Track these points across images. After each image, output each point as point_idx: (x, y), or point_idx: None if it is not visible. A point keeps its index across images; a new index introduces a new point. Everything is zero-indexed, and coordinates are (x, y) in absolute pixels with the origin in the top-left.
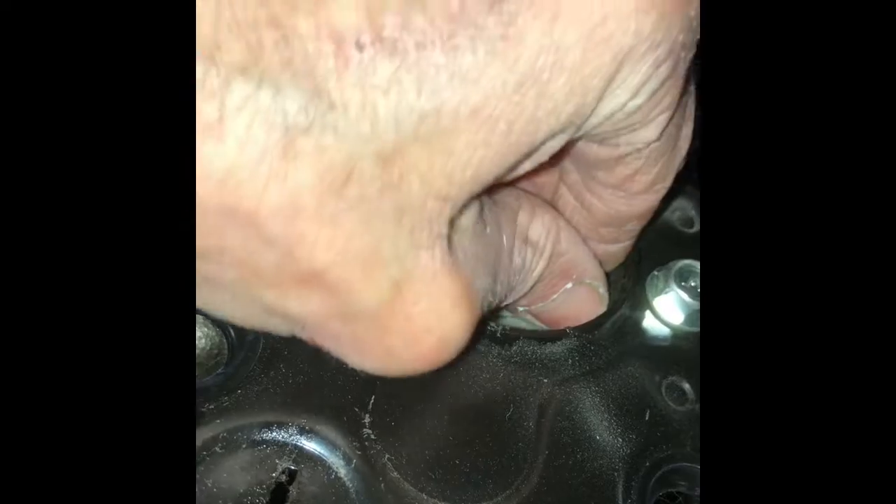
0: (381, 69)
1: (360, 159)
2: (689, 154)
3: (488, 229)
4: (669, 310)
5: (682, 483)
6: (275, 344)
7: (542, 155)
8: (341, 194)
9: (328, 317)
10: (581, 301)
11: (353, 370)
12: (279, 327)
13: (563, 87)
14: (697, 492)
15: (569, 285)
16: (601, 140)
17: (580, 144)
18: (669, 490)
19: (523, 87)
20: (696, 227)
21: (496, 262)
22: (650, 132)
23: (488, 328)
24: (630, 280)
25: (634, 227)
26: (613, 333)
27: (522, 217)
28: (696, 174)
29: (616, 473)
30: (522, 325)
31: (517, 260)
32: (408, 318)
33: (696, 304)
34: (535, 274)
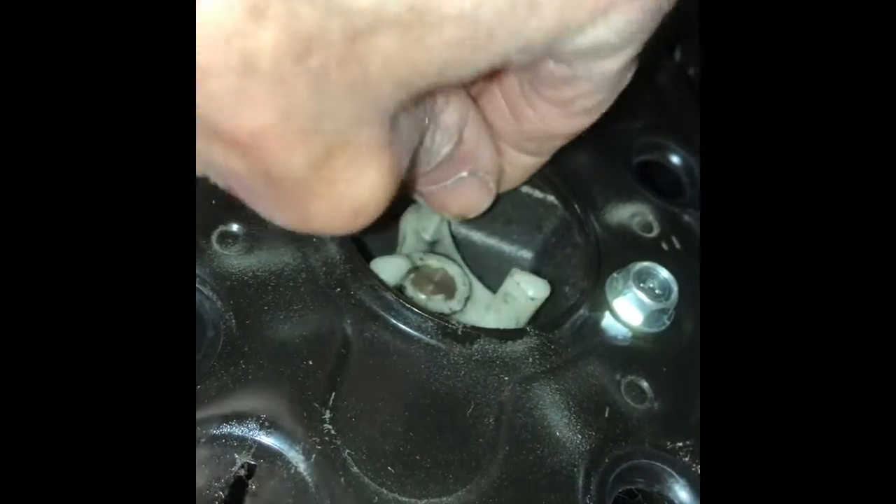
0: None
1: (329, 31)
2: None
3: (418, 111)
4: (628, 311)
5: (641, 480)
6: (235, 341)
7: (503, 64)
8: (300, 61)
9: (253, 175)
10: (471, 191)
11: (315, 366)
12: (207, 172)
13: (554, 10)
14: (656, 488)
15: (464, 174)
16: (559, 60)
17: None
18: (629, 487)
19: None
20: (655, 232)
21: (417, 142)
22: (611, 64)
23: (449, 326)
24: (589, 282)
25: (557, 145)
26: (573, 333)
27: (440, 100)
28: (655, 182)
29: (576, 469)
30: (483, 324)
31: (428, 141)
32: (332, 183)
33: (655, 305)
34: (439, 157)
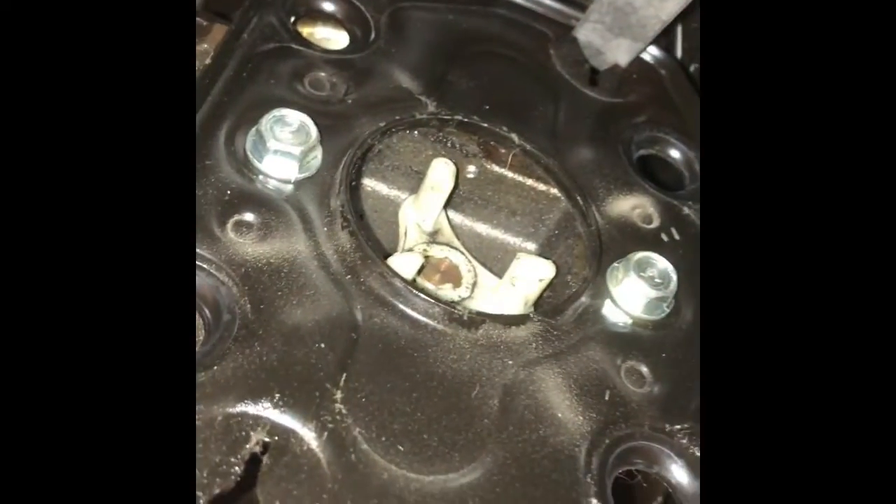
0: None
1: None
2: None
3: None
4: (628, 299)
5: (640, 461)
6: (250, 324)
7: None
8: None
9: None
10: None
11: (326, 349)
12: None
13: None
14: (655, 469)
15: None
16: None
17: None
18: (628, 468)
19: None
20: (655, 224)
21: None
22: None
23: (455, 312)
24: (591, 271)
25: None
26: (575, 320)
27: None
28: (655, 176)
29: (577, 449)
30: (492, 307)
31: None
32: None
33: (654, 293)
34: None
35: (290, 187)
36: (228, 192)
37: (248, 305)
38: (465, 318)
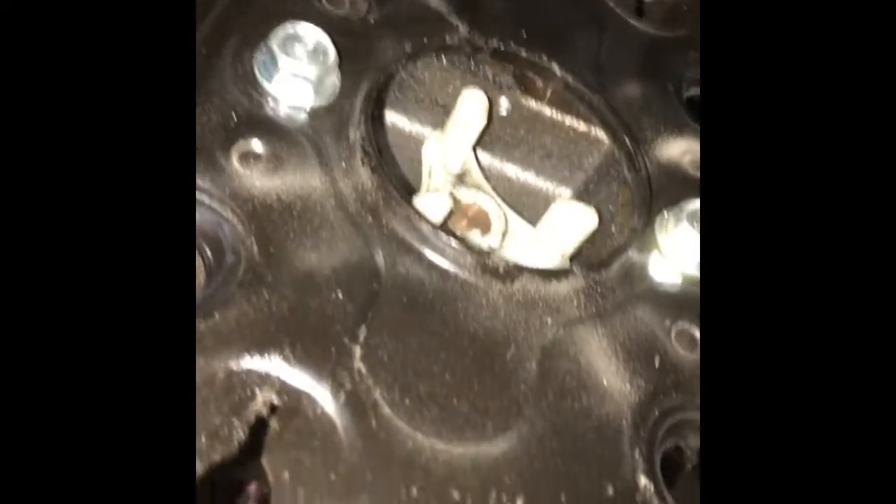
0: None
1: None
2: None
3: None
4: (680, 253)
5: (693, 435)
6: (257, 268)
7: None
8: None
9: None
10: None
11: (344, 299)
12: None
13: None
14: None
15: None
16: None
17: None
18: (678, 443)
19: None
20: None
21: None
22: None
23: (490, 263)
24: (640, 221)
25: None
26: (621, 276)
27: None
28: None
29: (624, 421)
30: (524, 260)
31: None
32: None
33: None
34: None
35: (303, 115)
36: (234, 116)
37: (255, 246)
38: (501, 269)
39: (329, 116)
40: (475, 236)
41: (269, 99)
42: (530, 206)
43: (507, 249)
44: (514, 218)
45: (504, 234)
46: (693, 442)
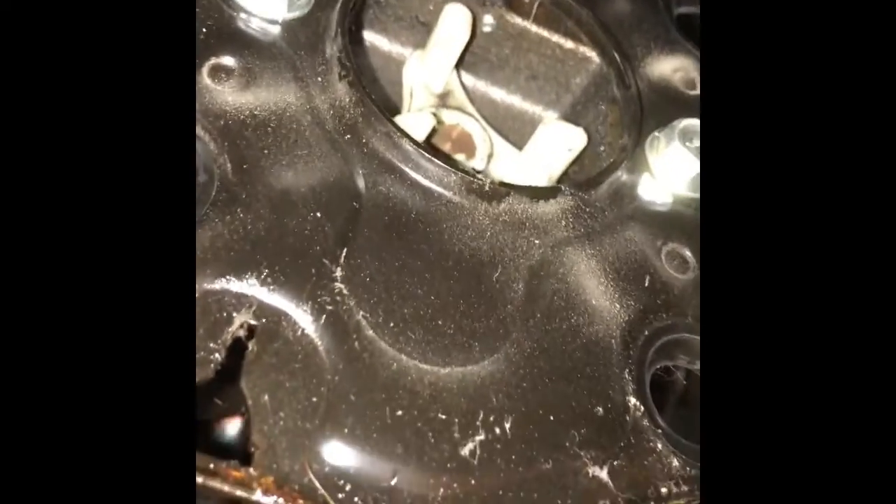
0: None
1: None
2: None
3: None
4: (671, 173)
5: (683, 356)
6: (231, 187)
7: None
8: None
9: None
10: None
11: (323, 218)
12: None
13: None
14: (698, 365)
15: None
16: None
17: None
18: (668, 363)
19: None
20: (699, 90)
21: None
22: None
23: (475, 182)
24: (630, 140)
25: None
26: (611, 195)
27: None
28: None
29: (613, 341)
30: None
31: None
32: None
33: (700, 167)
34: None
35: (276, 28)
36: (204, 29)
37: (229, 164)
38: (487, 189)
39: (303, 29)
40: (460, 160)
41: (241, 12)
42: (516, 130)
43: (493, 173)
44: (498, 140)
45: (489, 157)
46: (683, 363)
